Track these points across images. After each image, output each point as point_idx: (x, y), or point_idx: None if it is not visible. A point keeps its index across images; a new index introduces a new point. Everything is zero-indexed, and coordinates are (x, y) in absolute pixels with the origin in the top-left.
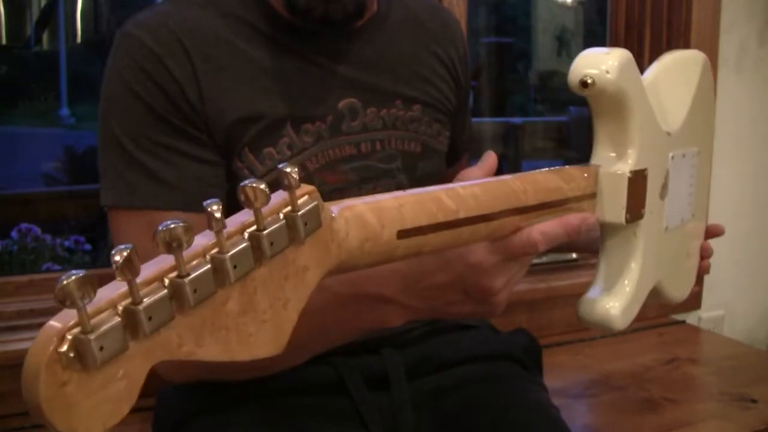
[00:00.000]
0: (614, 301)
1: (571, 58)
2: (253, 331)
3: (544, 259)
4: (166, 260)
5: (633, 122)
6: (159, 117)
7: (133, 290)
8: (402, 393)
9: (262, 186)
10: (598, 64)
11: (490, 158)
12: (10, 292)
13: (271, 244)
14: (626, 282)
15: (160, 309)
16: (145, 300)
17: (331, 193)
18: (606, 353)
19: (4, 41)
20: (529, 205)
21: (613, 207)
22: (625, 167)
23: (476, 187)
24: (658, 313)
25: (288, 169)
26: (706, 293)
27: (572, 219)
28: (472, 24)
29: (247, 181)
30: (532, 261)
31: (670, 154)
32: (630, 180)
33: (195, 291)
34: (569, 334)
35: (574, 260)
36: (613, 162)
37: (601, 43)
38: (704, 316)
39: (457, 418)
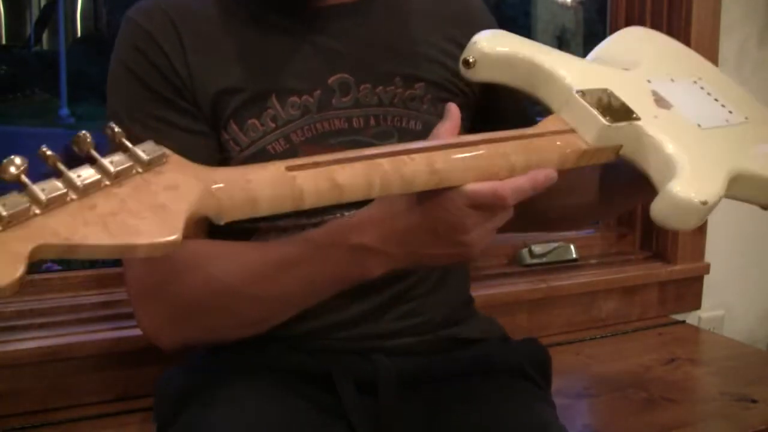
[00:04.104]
0: (678, 184)
1: None
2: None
3: (544, 259)
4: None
5: (541, 64)
6: (152, 91)
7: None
8: (390, 400)
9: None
10: (469, 47)
11: (452, 111)
12: None
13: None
14: (675, 164)
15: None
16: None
17: None
18: (606, 353)
19: (4, 41)
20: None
21: (589, 121)
22: (570, 90)
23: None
24: (658, 313)
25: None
26: (706, 293)
27: (537, 173)
28: None
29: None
30: (508, 214)
31: (646, 79)
32: (584, 94)
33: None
34: (569, 334)
35: (574, 260)
36: (559, 98)
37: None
38: (704, 316)
39: None
